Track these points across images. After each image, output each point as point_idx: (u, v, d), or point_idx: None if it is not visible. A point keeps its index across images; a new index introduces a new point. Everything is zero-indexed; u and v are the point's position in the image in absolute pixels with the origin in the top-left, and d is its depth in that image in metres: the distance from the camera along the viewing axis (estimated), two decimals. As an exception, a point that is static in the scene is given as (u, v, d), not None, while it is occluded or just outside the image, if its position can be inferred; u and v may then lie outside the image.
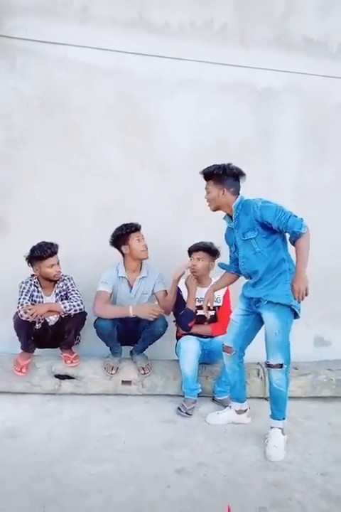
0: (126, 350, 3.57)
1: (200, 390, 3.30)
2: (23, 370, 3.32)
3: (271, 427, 2.85)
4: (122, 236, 3.44)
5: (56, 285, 3.42)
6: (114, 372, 3.40)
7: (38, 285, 3.40)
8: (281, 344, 2.77)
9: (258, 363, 3.61)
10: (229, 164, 2.84)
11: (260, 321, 2.90)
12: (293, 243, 2.65)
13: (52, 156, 3.84)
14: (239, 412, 3.11)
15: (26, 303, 3.25)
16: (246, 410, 3.13)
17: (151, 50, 3.85)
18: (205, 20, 3.97)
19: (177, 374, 3.43)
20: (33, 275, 3.41)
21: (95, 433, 2.91)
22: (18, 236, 3.71)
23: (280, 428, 2.83)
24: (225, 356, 3.03)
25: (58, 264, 3.37)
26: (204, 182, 2.91)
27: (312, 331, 4.23)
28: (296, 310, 2.78)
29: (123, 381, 3.43)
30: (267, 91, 4.10)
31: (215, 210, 2.93)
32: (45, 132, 3.82)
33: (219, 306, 3.47)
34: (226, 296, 3.51)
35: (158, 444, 2.82)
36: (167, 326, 3.39)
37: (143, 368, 3.44)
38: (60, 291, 3.42)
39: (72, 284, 3.43)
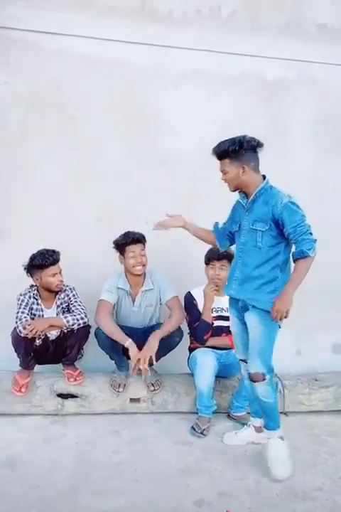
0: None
1: (215, 407, 3.05)
2: (23, 390, 3.06)
3: (268, 439, 2.62)
4: (119, 246, 3.21)
5: (57, 296, 3.17)
6: (121, 389, 3.15)
7: (38, 297, 3.15)
8: (263, 351, 2.52)
9: (276, 375, 3.36)
10: (244, 136, 2.49)
11: None
12: (295, 260, 2.42)
13: (49, 155, 3.58)
14: (259, 429, 2.86)
15: (25, 317, 3.00)
16: None
17: (154, 39, 3.60)
18: (212, 8, 3.72)
19: (189, 389, 3.20)
20: (32, 286, 3.16)
21: (103, 459, 2.66)
22: (15, 243, 3.47)
23: (278, 437, 2.60)
24: (243, 366, 2.78)
25: (60, 273, 3.12)
26: (218, 162, 2.57)
27: (329, 338, 4.00)
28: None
29: (131, 399, 3.18)
30: (278, 81, 3.86)
31: (235, 190, 2.62)
32: (41, 130, 3.56)
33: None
34: None
35: (173, 471, 2.57)
36: (183, 334, 3.16)
37: (152, 384, 3.19)
38: (61, 303, 3.17)
39: (74, 295, 3.17)
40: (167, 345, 3.11)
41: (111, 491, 2.37)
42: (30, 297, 3.11)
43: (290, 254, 2.52)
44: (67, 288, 3.19)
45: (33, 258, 3.05)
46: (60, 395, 3.13)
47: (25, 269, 3.08)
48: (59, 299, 3.17)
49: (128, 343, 3.00)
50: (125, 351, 3.15)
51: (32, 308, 3.12)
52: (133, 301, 3.27)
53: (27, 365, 3.09)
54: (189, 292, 3.33)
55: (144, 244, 3.22)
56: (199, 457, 2.71)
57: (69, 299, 3.16)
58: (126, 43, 3.56)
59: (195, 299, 3.27)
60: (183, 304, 3.32)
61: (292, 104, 3.87)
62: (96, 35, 3.50)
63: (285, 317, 2.41)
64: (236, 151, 2.48)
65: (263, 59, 3.77)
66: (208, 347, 3.18)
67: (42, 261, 3.02)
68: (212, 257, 3.21)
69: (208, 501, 2.32)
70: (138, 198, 3.63)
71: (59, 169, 3.57)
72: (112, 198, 3.60)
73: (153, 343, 2.99)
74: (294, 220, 2.39)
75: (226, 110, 3.73)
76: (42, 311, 3.14)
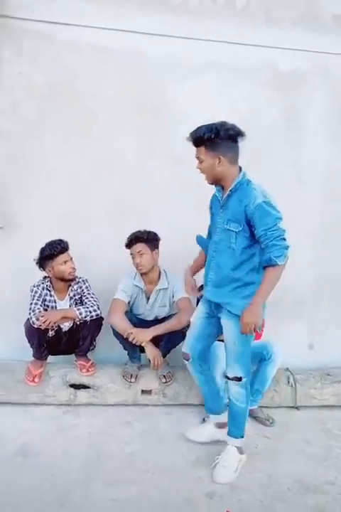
0: (144, 356, 3.31)
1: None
2: (36, 380, 3.09)
3: (227, 445, 2.55)
4: (127, 247, 3.21)
5: (70, 288, 3.18)
6: (133, 380, 3.16)
7: (51, 288, 3.16)
8: (240, 355, 2.44)
9: (288, 369, 3.36)
10: (222, 123, 2.28)
11: (220, 327, 2.53)
12: (264, 268, 2.29)
13: (63, 148, 3.56)
14: (219, 425, 2.73)
15: (38, 309, 3.01)
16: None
17: (169, 30, 3.54)
18: (227, -2, 3.66)
19: (201, 382, 3.19)
20: (45, 277, 3.17)
21: (115, 450, 2.68)
22: (28, 235, 3.47)
23: (236, 446, 2.52)
24: (186, 364, 2.72)
25: (71, 260, 3.12)
26: (194, 149, 2.40)
27: (342, 332, 3.96)
28: None
29: (143, 390, 3.18)
30: (293, 73, 3.78)
31: (213, 183, 2.45)
32: (55, 122, 3.54)
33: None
34: None
35: (184, 463, 2.59)
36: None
37: (164, 376, 3.20)
38: (74, 295, 3.18)
39: (87, 287, 3.18)
40: (175, 337, 3.11)
41: (123, 481, 2.40)
42: (43, 289, 3.12)
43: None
44: (80, 279, 3.20)
45: (42, 250, 3.06)
46: (73, 386, 3.15)
47: (37, 263, 3.09)
48: (72, 290, 3.18)
49: (145, 342, 3.03)
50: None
51: (45, 300, 3.13)
52: (148, 299, 3.28)
53: (40, 355, 3.11)
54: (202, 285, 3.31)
55: (145, 243, 3.14)
56: (211, 449, 2.69)
57: (82, 290, 3.17)
58: (140, 34, 3.50)
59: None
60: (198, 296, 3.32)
61: (306, 96, 3.79)
62: (109, 25, 3.45)
63: (255, 330, 2.30)
64: (212, 139, 2.28)
65: (278, 50, 3.68)
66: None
67: (51, 250, 3.02)
68: None
69: (219, 493, 2.34)
70: (149, 191, 3.61)
71: (72, 161, 3.55)
72: (125, 190, 3.58)
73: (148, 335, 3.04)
74: (266, 222, 2.23)
75: (240, 102, 3.65)
76: (55, 302, 3.15)
